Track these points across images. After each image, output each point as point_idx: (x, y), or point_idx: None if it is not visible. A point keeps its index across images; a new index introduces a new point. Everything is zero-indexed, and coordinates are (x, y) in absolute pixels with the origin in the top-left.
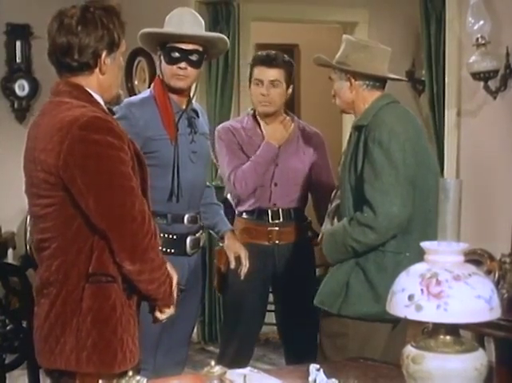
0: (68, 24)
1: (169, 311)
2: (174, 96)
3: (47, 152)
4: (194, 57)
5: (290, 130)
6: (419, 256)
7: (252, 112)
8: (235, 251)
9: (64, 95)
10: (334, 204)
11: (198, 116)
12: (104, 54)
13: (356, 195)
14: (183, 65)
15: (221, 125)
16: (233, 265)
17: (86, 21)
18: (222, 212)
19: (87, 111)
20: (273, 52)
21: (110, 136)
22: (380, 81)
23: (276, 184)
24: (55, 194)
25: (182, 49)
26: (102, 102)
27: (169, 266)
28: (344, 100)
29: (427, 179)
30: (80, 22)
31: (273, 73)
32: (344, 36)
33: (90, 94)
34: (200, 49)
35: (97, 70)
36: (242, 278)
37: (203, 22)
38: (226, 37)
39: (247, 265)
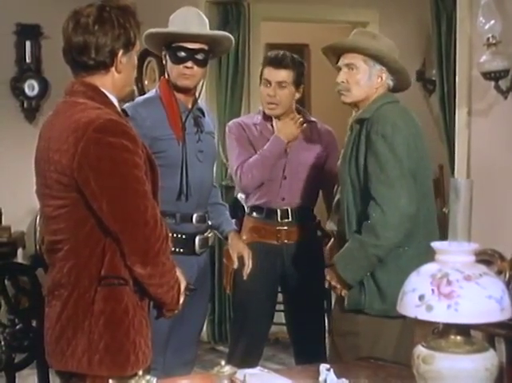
0: (84, 23)
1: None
2: (180, 96)
3: (61, 152)
4: (200, 56)
5: (302, 128)
6: (419, 251)
7: (263, 110)
8: (238, 251)
9: (79, 95)
10: (336, 199)
11: (204, 115)
12: (120, 53)
13: (358, 189)
14: (189, 64)
15: (231, 121)
16: (235, 265)
17: (103, 20)
18: (227, 212)
19: (102, 113)
20: (282, 52)
21: (125, 139)
22: None
23: (285, 177)
24: (68, 195)
25: (188, 48)
26: (117, 103)
27: (178, 272)
28: (364, 92)
29: (426, 177)
30: (97, 21)
31: (281, 75)
32: (376, 33)
33: (105, 95)
34: (206, 47)
35: (113, 69)
36: (245, 278)
37: (207, 21)
38: (231, 35)
39: (250, 265)
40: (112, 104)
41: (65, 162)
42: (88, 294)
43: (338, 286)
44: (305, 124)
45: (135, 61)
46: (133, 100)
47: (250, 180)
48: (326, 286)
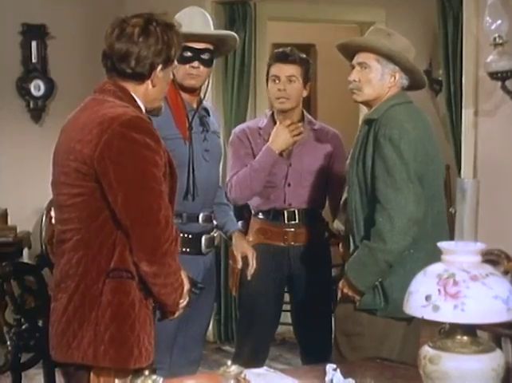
0: (130, 32)
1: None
2: (185, 96)
3: (84, 142)
4: (205, 56)
5: (297, 138)
6: (425, 254)
7: (270, 112)
8: (242, 251)
9: (109, 94)
10: (343, 198)
11: (209, 115)
12: (159, 68)
13: (365, 190)
14: (195, 64)
15: (237, 127)
16: (240, 265)
17: (148, 33)
18: (231, 213)
19: (129, 110)
20: (289, 48)
21: (149, 138)
22: None
23: (289, 185)
24: (85, 184)
25: (194, 48)
26: (144, 109)
27: (183, 274)
28: (375, 91)
29: (436, 180)
30: (143, 33)
31: (290, 69)
32: (392, 31)
33: (134, 98)
34: (211, 47)
35: (149, 81)
36: (249, 278)
37: (211, 21)
38: (236, 34)
39: (254, 265)
40: (139, 107)
41: (87, 151)
42: (96, 285)
43: (350, 294)
44: (301, 135)
45: (171, 77)
46: (159, 115)
47: (239, 194)
48: (339, 295)
